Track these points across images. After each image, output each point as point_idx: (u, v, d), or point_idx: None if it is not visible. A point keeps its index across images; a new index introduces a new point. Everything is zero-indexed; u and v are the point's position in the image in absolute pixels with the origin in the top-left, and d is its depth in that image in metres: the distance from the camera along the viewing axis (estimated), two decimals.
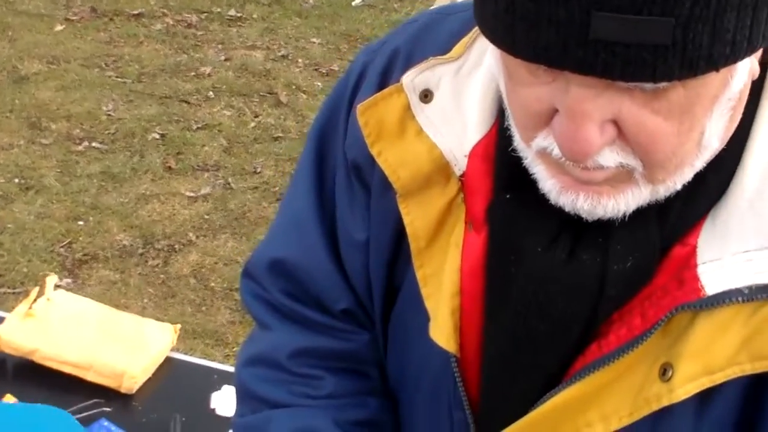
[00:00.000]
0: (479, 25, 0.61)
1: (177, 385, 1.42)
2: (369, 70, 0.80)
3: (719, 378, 0.65)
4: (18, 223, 3.00)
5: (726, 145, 0.65)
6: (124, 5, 4.55)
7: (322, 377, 0.86)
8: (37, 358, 1.40)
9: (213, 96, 3.87)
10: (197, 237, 3.04)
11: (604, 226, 0.66)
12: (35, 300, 1.48)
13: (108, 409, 1.35)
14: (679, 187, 0.64)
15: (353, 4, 4.87)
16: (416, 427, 0.84)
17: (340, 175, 0.83)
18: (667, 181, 0.63)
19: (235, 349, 2.53)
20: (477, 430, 0.77)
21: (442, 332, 0.74)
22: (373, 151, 0.75)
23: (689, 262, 0.66)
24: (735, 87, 0.60)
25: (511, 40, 0.57)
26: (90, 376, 1.39)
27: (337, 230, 0.84)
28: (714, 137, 0.62)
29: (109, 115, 3.67)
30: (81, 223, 3.05)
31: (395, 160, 0.74)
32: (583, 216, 0.65)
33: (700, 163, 0.63)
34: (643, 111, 0.58)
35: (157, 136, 3.56)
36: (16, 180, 3.22)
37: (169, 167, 3.38)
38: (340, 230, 0.84)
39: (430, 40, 0.77)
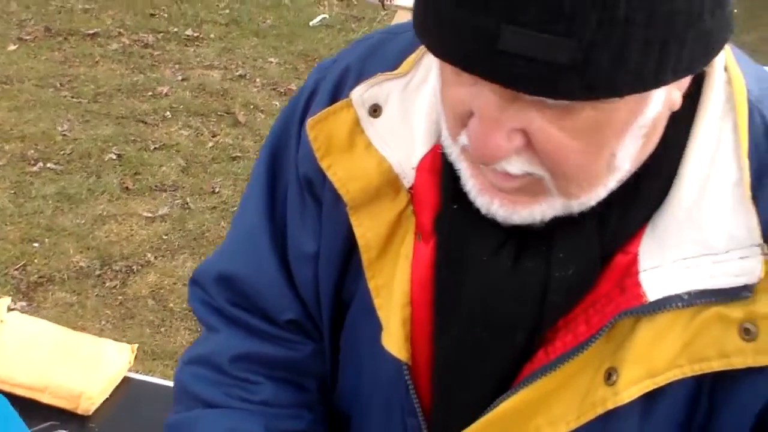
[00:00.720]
0: (415, 29, 0.63)
1: (135, 406, 1.41)
2: (320, 86, 0.82)
3: (662, 381, 0.67)
4: None
5: (663, 154, 0.67)
6: (79, 24, 4.52)
7: (260, 383, 0.87)
8: None
9: (170, 116, 3.86)
10: (155, 258, 3.02)
11: (547, 234, 0.68)
12: None
13: (65, 431, 1.33)
14: (593, 203, 0.66)
15: (311, 24, 4.89)
16: None
17: (292, 190, 0.84)
18: (581, 196, 0.65)
19: None
20: None
21: (394, 341, 0.76)
22: (323, 165, 0.77)
23: (631, 269, 0.68)
24: (648, 114, 0.62)
25: (439, 43, 0.60)
26: (45, 398, 1.37)
27: (287, 244, 0.86)
28: (625, 160, 0.64)
29: (65, 135, 3.64)
30: (36, 245, 3.01)
31: (345, 174, 0.76)
32: (499, 221, 0.67)
33: (612, 183, 0.66)
34: (550, 126, 0.60)
35: (114, 157, 3.53)
36: None
37: (127, 188, 3.35)
38: (291, 243, 0.85)
39: (380, 57, 0.79)
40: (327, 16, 5.00)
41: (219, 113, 3.93)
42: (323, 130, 0.77)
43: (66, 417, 1.35)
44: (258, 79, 4.22)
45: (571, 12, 0.54)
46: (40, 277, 2.87)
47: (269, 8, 5.01)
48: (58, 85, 3.99)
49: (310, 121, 0.78)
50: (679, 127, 0.67)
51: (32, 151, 3.50)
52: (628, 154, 0.64)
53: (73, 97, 3.91)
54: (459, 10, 0.57)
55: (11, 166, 3.40)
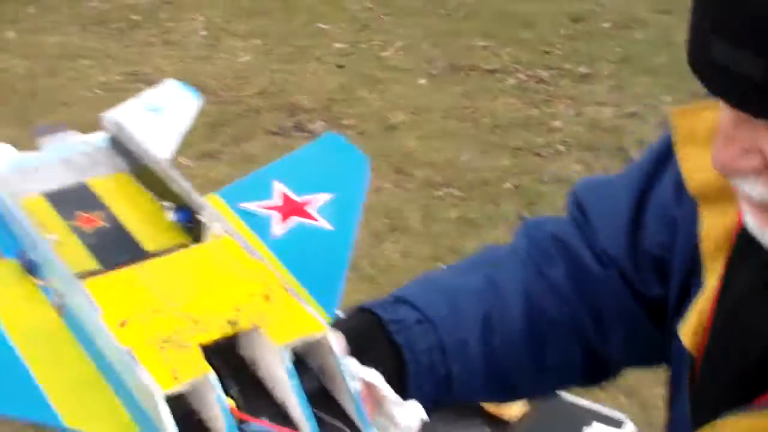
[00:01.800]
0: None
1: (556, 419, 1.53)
2: None
3: None
4: (387, 260, 3.32)
5: None
6: (480, 61, 4.85)
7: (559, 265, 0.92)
8: None
9: (563, 150, 4.02)
10: None
11: None
12: None
13: None
14: None
15: None
16: (676, 407, 0.87)
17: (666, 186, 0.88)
18: None
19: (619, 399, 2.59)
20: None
21: (686, 330, 0.79)
22: (678, 154, 0.80)
23: None
24: None
25: (690, 54, 0.62)
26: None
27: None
28: None
29: (466, 164, 3.94)
30: (440, 264, 3.30)
31: (693, 166, 0.79)
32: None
33: None
34: None
35: (511, 187, 3.76)
36: (385, 220, 3.56)
37: (523, 217, 3.55)
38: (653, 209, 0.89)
39: None
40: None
41: (611, 149, 4.01)
42: (686, 121, 0.80)
43: (491, 419, 1.52)
44: (650, 117, 4.24)
45: (763, 27, 0.53)
46: None
47: (661, 46, 4.99)
48: (461, 117, 4.32)
49: (674, 110, 0.81)
50: None
51: (438, 177, 3.84)
52: None
53: (474, 129, 4.22)
54: (693, 14, 0.59)
55: (420, 189, 3.76)
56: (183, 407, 0.69)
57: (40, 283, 0.83)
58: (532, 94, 4.53)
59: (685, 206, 0.83)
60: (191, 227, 0.90)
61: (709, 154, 0.67)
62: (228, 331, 0.72)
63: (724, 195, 0.74)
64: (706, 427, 0.73)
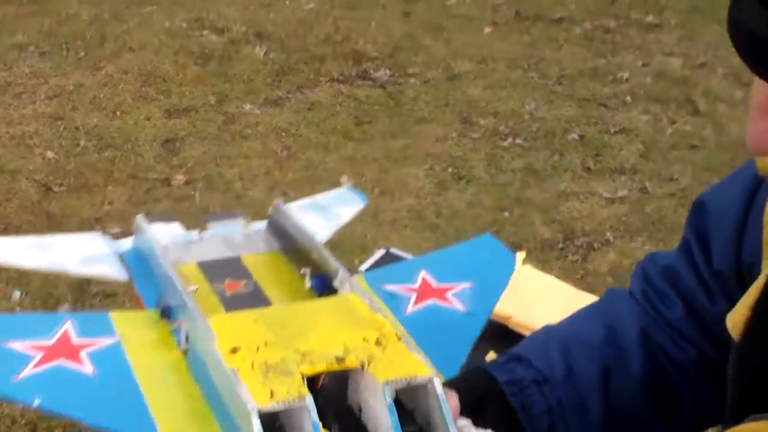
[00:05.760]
0: None
1: None
2: None
3: None
4: (452, 208, 3.34)
5: None
6: (546, 10, 4.78)
7: (677, 305, 0.89)
8: (512, 324, 1.60)
9: (630, 101, 3.96)
10: (614, 237, 3.16)
11: None
12: None
13: None
14: None
15: None
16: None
17: None
18: None
19: None
20: None
21: (734, 317, 0.75)
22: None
23: None
24: None
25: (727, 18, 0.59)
26: None
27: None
28: None
29: (532, 114, 3.91)
30: (506, 214, 3.31)
31: None
32: None
33: None
34: None
35: (577, 137, 3.73)
36: (450, 170, 3.57)
37: (588, 168, 3.53)
38: None
39: None
40: None
41: (679, 101, 3.95)
42: None
43: None
44: (719, 68, 4.16)
45: None
46: (511, 243, 3.15)
47: None
48: (526, 67, 4.28)
49: None
50: None
51: (503, 127, 3.82)
52: None
53: (539, 79, 4.18)
54: None
55: (485, 139, 3.75)
56: (278, 430, 0.69)
57: (172, 326, 0.87)
58: (598, 44, 4.47)
59: None
60: (327, 294, 0.92)
61: None
62: (334, 366, 0.72)
63: None
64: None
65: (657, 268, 0.92)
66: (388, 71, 4.23)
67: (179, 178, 3.47)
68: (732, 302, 0.78)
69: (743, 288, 0.77)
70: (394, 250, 1.81)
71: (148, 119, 3.83)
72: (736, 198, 0.84)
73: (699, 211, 0.90)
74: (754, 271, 0.78)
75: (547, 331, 0.93)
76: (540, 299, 1.65)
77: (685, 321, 0.88)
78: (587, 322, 0.92)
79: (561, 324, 0.95)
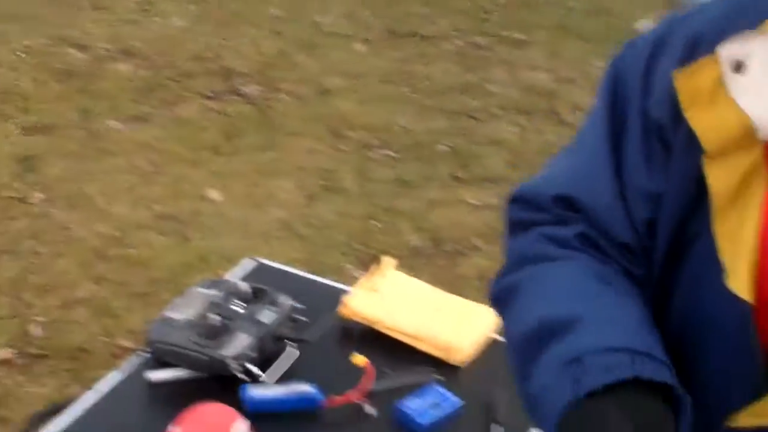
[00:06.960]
0: None
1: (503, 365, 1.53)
2: (671, 39, 0.85)
3: None
4: (322, 219, 3.30)
5: None
6: (418, 27, 4.84)
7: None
8: (380, 327, 1.57)
9: (499, 113, 4.03)
10: (483, 243, 3.18)
11: None
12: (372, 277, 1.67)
13: (439, 377, 1.48)
14: None
15: (636, 28, 4.85)
16: (702, 372, 0.87)
17: (634, 134, 0.88)
18: None
19: None
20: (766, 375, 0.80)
21: (740, 282, 0.78)
22: (687, 115, 0.81)
23: None
24: None
25: None
26: (423, 347, 1.54)
27: (624, 181, 0.90)
28: None
29: (403, 127, 3.93)
30: (376, 223, 3.29)
31: (706, 125, 0.80)
32: None
33: None
34: None
35: (446, 148, 3.76)
36: (320, 182, 3.53)
37: (457, 177, 3.56)
38: (629, 182, 0.89)
39: (743, 14, 0.81)
40: (651, 21, 4.93)
41: (545, 112, 4.04)
42: (689, 82, 0.81)
43: (439, 364, 1.51)
44: (584, 82, 4.28)
45: None
46: (380, 251, 3.13)
47: (594, 14, 5.04)
48: (398, 82, 4.30)
49: (677, 73, 0.82)
50: None
51: (374, 140, 3.82)
52: None
53: (411, 93, 4.21)
54: None
55: (356, 151, 3.74)
56: None
57: None
58: (469, 60, 4.54)
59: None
60: None
61: (715, 110, 0.68)
62: None
63: (733, 148, 0.77)
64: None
65: (545, 200, 0.97)
66: (258, 87, 4.18)
67: (37, 195, 3.32)
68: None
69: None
70: (265, 261, 1.76)
71: (6, 137, 3.67)
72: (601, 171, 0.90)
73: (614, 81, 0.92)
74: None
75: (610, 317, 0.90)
76: (408, 303, 1.64)
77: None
78: (622, 294, 0.91)
79: (594, 307, 0.91)
